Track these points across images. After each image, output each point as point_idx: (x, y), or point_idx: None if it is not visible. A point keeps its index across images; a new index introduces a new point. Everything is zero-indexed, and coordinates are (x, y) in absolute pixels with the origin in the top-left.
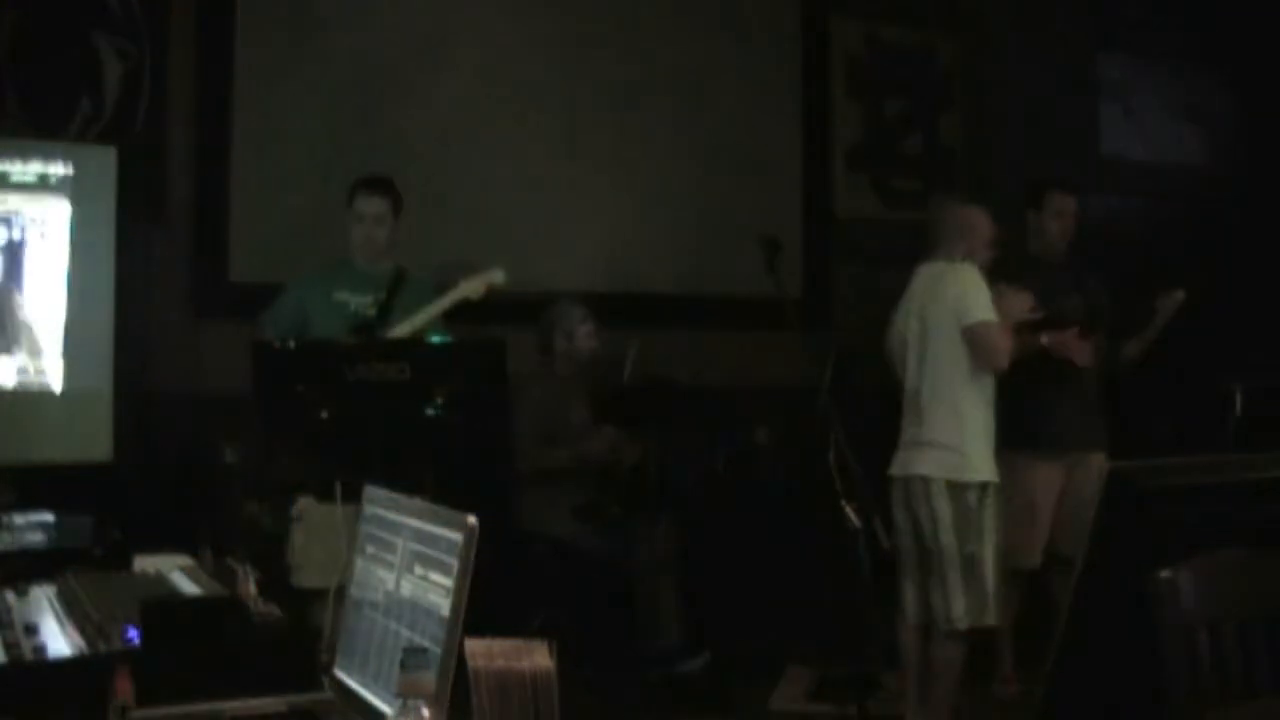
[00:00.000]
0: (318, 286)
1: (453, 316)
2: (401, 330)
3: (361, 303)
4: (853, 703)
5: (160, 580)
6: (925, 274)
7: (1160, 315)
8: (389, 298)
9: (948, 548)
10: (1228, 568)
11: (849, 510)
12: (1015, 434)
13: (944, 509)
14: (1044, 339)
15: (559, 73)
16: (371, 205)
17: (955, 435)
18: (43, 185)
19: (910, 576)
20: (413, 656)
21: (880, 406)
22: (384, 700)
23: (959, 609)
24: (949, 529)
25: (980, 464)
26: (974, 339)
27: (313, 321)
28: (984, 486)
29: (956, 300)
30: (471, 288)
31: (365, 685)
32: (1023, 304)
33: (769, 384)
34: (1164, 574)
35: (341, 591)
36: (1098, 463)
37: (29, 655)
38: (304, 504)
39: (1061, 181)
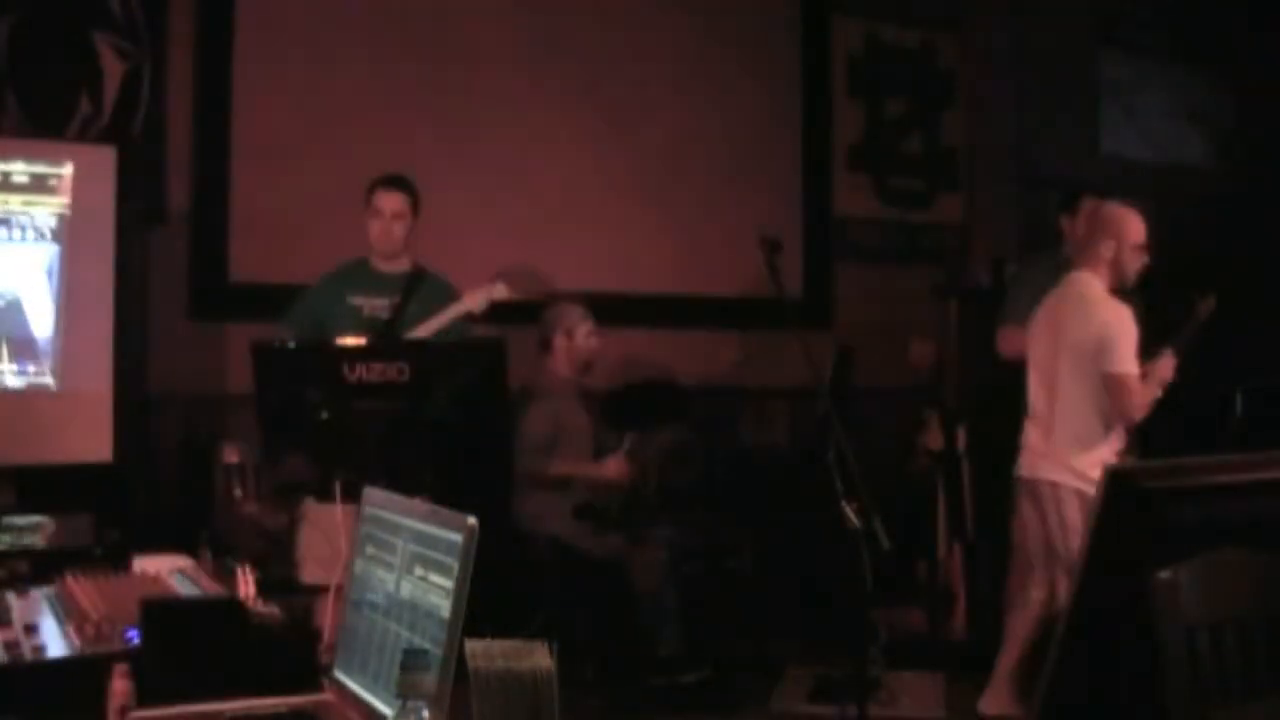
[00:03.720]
0: (332, 289)
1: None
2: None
3: (376, 306)
4: (853, 703)
5: (160, 580)
6: (1076, 286)
7: (1195, 320)
8: (405, 301)
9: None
10: (1228, 568)
11: (849, 510)
12: None
13: (1073, 514)
14: None
15: (559, 73)
16: (391, 201)
17: (1081, 459)
18: (43, 185)
19: (1038, 570)
20: (413, 657)
21: (880, 406)
22: (384, 701)
23: None
24: (1078, 534)
25: None
26: (1114, 389)
27: (326, 326)
28: None
29: (1102, 340)
30: (474, 301)
31: (365, 686)
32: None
33: (769, 384)
34: (1164, 574)
35: (340, 591)
36: None
37: (29, 655)
38: (309, 503)
39: (1097, 186)
